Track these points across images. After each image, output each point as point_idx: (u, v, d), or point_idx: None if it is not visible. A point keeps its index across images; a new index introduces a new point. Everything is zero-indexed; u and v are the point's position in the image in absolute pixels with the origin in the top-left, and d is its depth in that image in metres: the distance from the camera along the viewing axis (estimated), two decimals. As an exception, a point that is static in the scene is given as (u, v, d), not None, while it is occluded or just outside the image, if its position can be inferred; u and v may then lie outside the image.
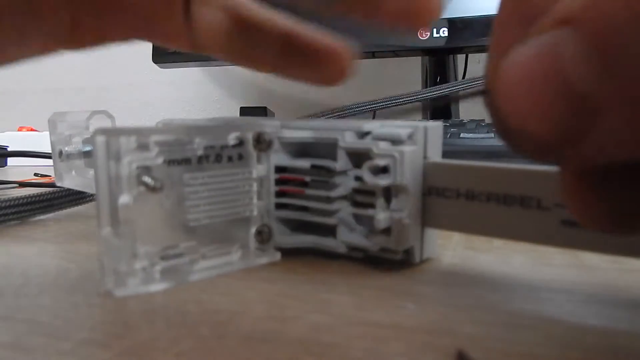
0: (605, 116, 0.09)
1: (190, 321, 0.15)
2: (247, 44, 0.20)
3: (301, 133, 0.20)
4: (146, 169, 0.16)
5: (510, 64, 0.10)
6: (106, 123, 0.27)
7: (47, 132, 0.29)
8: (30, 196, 0.29)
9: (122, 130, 0.16)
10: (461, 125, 0.43)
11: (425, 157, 0.19)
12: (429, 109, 0.62)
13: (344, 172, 0.19)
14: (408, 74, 0.72)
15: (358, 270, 0.19)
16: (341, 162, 0.19)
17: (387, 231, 0.18)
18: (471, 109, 0.75)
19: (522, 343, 0.13)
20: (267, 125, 0.19)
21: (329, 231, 0.20)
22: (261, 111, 0.71)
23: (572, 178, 0.11)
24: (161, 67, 0.70)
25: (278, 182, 0.20)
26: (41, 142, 0.65)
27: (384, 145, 0.18)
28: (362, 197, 0.19)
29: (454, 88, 0.46)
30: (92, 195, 0.30)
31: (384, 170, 0.18)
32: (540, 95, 0.09)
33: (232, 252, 0.19)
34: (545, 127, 0.09)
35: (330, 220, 0.19)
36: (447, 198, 0.18)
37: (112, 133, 0.16)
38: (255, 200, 0.19)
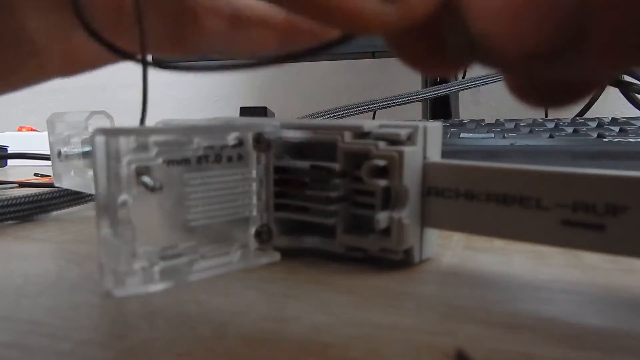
0: (590, 37, 0.08)
1: (190, 321, 0.15)
2: (249, 39, 0.20)
3: (301, 133, 0.20)
4: (146, 169, 0.16)
5: None
6: (105, 123, 0.27)
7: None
8: (30, 196, 0.29)
9: (121, 130, 0.16)
10: (461, 125, 0.43)
11: (424, 157, 0.19)
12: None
13: (343, 173, 0.19)
14: (408, 74, 0.72)
15: (358, 271, 0.19)
16: (341, 163, 0.19)
17: (386, 231, 0.18)
18: (471, 109, 0.75)
19: (522, 343, 0.13)
20: (267, 125, 0.19)
21: (329, 232, 0.20)
22: (261, 111, 0.71)
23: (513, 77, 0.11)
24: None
25: (277, 182, 0.20)
26: (41, 142, 0.65)
27: (383, 146, 0.18)
28: (361, 197, 0.19)
29: (454, 88, 0.46)
30: (91, 195, 0.30)
31: (383, 170, 0.18)
32: (524, 10, 0.08)
33: (232, 252, 0.19)
34: (516, 42, 0.09)
35: (329, 221, 0.19)
36: (446, 198, 0.18)
37: (111, 133, 0.16)
38: (254, 201, 0.19)
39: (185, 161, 0.17)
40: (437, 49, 0.12)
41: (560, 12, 0.08)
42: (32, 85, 0.18)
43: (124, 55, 0.15)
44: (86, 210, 0.32)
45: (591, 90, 0.11)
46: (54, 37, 0.17)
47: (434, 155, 0.19)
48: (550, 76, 0.10)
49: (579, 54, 0.09)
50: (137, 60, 0.16)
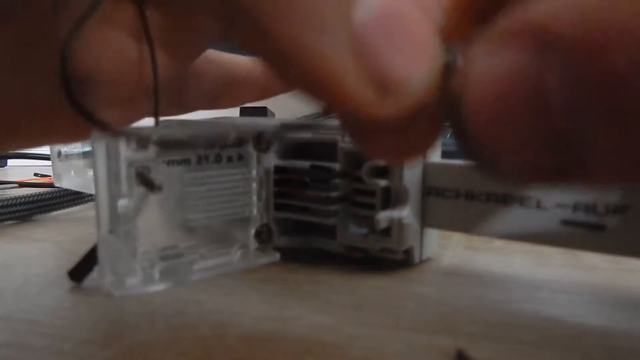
0: (591, 162, 0.07)
1: (190, 321, 0.15)
2: (234, 95, 0.21)
3: (301, 133, 0.20)
4: (146, 169, 0.16)
5: (479, 76, 0.08)
6: (106, 123, 0.27)
7: (47, 132, 0.29)
8: (29, 196, 0.29)
9: (121, 131, 0.16)
10: (461, 125, 0.43)
11: (424, 157, 0.19)
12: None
13: (343, 173, 0.19)
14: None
15: (358, 271, 0.19)
16: (341, 163, 0.19)
17: (386, 231, 0.18)
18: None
19: (522, 343, 0.13)
20: (267, 125, 0.19)
21: (329, 231, 0.20)
22: (261, 111, 0.71)
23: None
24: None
25: (277, 182, 0.20)
26: (41, 142, 0.64)
27: (383, 145, 0.18)
28: (361, 197, 0.19)
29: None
30: (91, 195, 0.30)
31: (383, 170, 0.18)
32: (515, 127, 0.08)
33: (232, 252, 0.19)
34: (515, 160, 0.08)
35: (330, 221, 0.19)
36: (446, 198, 0.18)
37: (111, 133, 0.16)
38: (255, 201, 0.19)
39: (185, 161, 0.17)
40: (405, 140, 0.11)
41: (552, 139, 0.08)
42: (34, 147, 0.18)
43: (106, 129, 0.15)
44: (86, 210, 0.32)
45: None
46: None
47: (434, 155, 0.19)
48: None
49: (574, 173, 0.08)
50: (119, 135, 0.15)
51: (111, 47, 0.15)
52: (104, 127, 0.14)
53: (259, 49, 0.09)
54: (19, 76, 0.15)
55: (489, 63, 0.08)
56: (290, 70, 0.09)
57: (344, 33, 0.08)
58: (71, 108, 0.14)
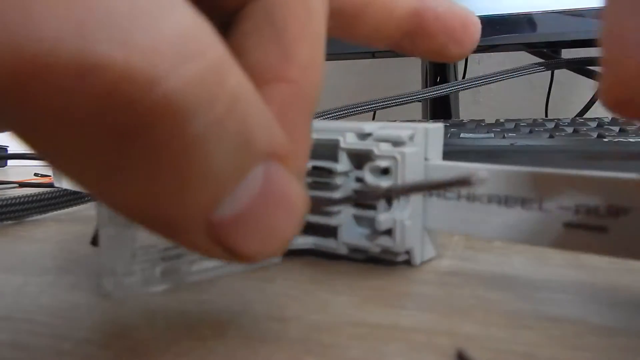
0: None
1: (190, 321, 0.15)
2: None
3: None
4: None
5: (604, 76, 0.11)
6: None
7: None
8: (29, 196, 0.29)
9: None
10: (461, 125, 0.43)
11: (426, 158, 0.19)
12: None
13: (345, 173, 0.19)
14: (408, 74, 0.72)
15: (358, 271, 0.19)
16: (342, 163, 0.19)
17: (388, 232, 0.18)
18: (471, 109, 0.75)
19: (522, 343, 0.13)
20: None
21: (330, 232, 0.20)
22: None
23: None
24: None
25: (278, 182, 0.20)
26: (41, 142, 0.64)
27: (385, 147, 0.18)
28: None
29: (454, 88, 0.46)
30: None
31: (385, 171, 0.18)
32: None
33: (232, 252, 0.19)
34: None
35: (331, 221, 0.19)
36: (448, 199, 0.18)
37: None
38: (255, 201, 0.19)
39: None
40: None
41: None
42: None
43: None
44: (86, 210, 0.32)
45: None
46: None
47: (435, 156, 0.19)
48: None
49: None
50: None
51: None
52: None
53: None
54: None
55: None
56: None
57: (202, 230, 0.10)
58: None
